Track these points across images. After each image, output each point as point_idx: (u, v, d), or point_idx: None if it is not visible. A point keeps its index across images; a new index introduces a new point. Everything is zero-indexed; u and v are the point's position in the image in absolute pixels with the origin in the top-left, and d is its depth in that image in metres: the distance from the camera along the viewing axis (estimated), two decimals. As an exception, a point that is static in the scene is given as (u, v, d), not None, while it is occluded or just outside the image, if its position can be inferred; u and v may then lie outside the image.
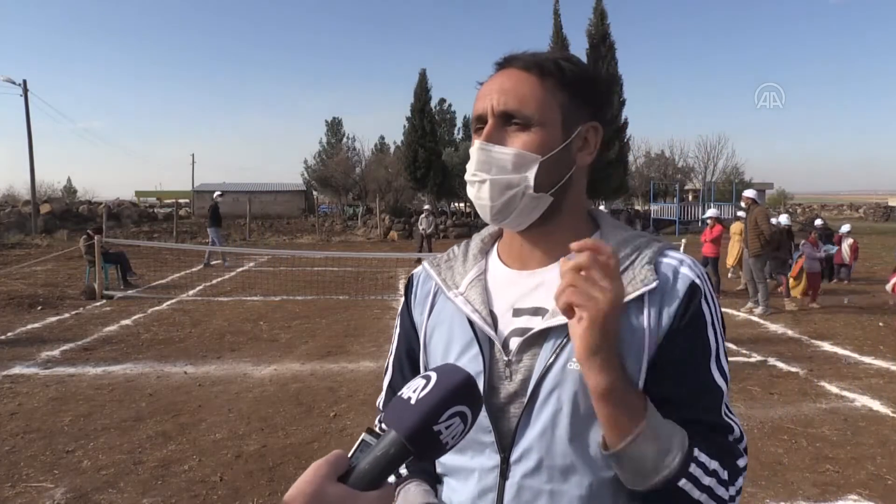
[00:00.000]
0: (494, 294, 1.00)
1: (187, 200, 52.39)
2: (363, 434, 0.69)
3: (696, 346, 0.91)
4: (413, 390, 0.69)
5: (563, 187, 0.96)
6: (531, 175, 0.92)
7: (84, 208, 31.09)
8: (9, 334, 7.82)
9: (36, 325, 8.43)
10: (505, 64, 0.98)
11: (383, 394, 1.14)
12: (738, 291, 11.28)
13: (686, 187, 35.18)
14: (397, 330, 1.14)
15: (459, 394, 0.69)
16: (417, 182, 31.40)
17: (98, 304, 10.06)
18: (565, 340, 0.90)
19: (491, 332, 0.95)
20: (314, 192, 48.19)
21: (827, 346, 7.44)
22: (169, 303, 10.28)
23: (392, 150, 46.65)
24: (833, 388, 5.79)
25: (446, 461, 0.99)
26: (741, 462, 0.90)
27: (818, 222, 14.82)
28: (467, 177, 0.97)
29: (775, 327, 8.41)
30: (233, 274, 14.16)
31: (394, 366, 1.13)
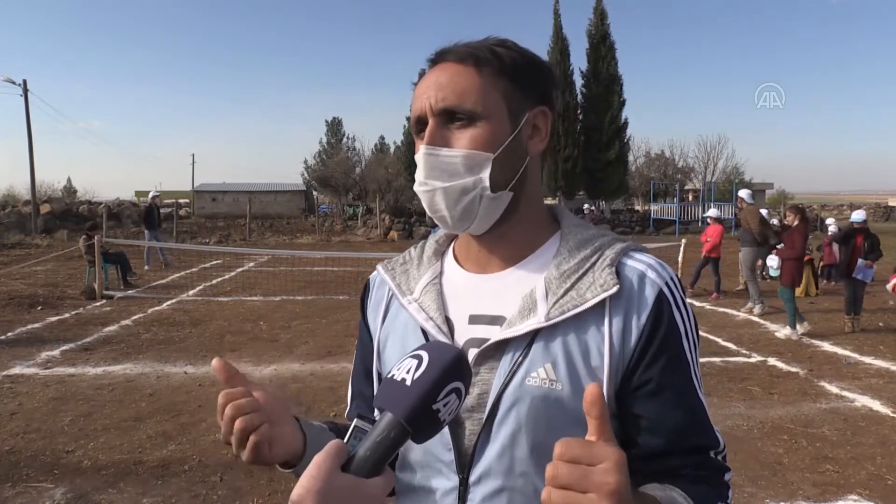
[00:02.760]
0: (450, 299, 0.94)
1: (187, 200, 52.40)
2: (355, 420, 0.69)
3: (674, 364, 0.85)
4: (406, 371, 0.68)
5: (519, 181, 0.90)
6: (486, 175, 0.86)
7: (84, 208, 31.04)
8: (9, 334, 7.82)
9: (36, 325, 8.43)
10: (438, 59, 0.91)
11: (348, 404, 1.09)
12: (738, 291, 11.28)
13: (686, 187, 35.15)
14: (357, 340, 1.09)
15: (454, 370, 0.69)
16: (417, 182, 31.40)
17: (98, 304, 10.06)
18: (524, 353, 0.85)
19: (447, 342, 0.89)
20: (314, 192, 48.22)
21: (827, 346, 7.44)
22: (169, 303, 10.28)
23: (392, 150, 46.67)
24: (833, 388, 5.78)
25: (404, 479, 0.94)
26: (727, 476, 0.88)
27: (832, 227, 13.38)
28: (417, 187, 0.89)
29: (775, 327, 8.40)
30: (233, 274, 14.16)
31: (353, 377, 1.09)
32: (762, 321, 8.93)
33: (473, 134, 0.86)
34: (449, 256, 1.00)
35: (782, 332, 7.92)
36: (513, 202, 0.90)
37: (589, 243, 0.90)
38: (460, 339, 0.90)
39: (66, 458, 4.17)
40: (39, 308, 9.57)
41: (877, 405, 5.33)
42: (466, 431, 0.88)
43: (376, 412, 0.69)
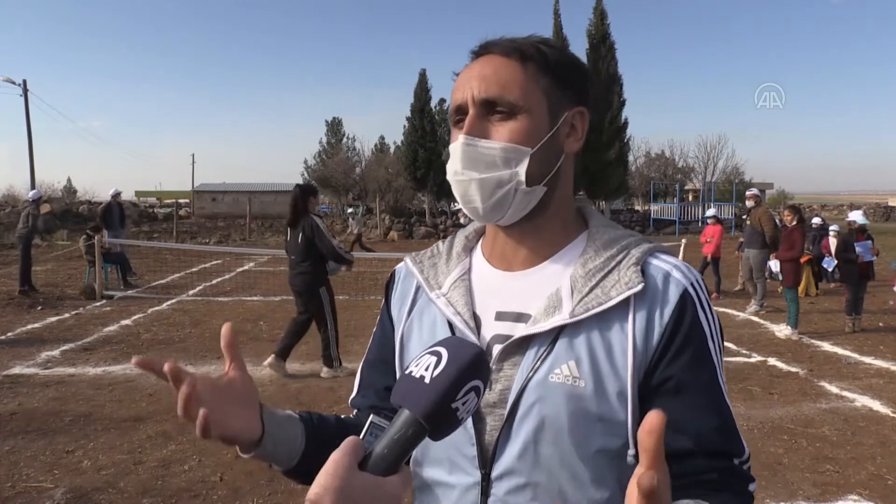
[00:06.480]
0: (478, 296, 0.94)
1: (187, 200, 52.39)
2: (371, 417, 0.68)
3: (699, 363, 0.84)
4: (425, 368, 0.67)
5: (553, 177, 0.90)
6: (522, 170, 0.86)
7: (84, 208, 31.07)
8: (9, 334, 7.82)
9: (36, 325, 8.43)
10: (482, 51, 0.91)
11: (355, 392, 1.07)
12: (737, 291, 11.27)
13: (686, 187, 35.16)
14: (375, 328, 1.10)
15: (473, 369, 0.68)
16: (417, 182, 31.41)
17: (98, 304, 10.06)
18: (548, 349, 0.85)
19: (473, 338, 0.89)
20: (314, 192, 48.10)
21: (827, 346, 7.44)
22: (169, 303, 10.28)
23: (392, 150, 46.66)
24: (833, 388, 5.79)
25: (423, 475, 0.94)
26: (752, 486, 0.85)
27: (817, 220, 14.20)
28: (451, 176, 0.89)
29: (775, 327, 8.41)
30: (233, 274, 14.15)
31: (365, 365, 1.08)
32: (762, 321, 8.93)
33: (513, 127, 0.86)
34: (478, 252, 1.01)
35: (782, 332, 7.93)
36: (545, 197, 0.91)
37: (616, 243, 0.91)
38: (486, 334, 0.91)
39: (66, 458, 4.17)
40: (39, 308, 9.57)
41: (877, 405, 5.33)
42: (488, 427, 0.88)
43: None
